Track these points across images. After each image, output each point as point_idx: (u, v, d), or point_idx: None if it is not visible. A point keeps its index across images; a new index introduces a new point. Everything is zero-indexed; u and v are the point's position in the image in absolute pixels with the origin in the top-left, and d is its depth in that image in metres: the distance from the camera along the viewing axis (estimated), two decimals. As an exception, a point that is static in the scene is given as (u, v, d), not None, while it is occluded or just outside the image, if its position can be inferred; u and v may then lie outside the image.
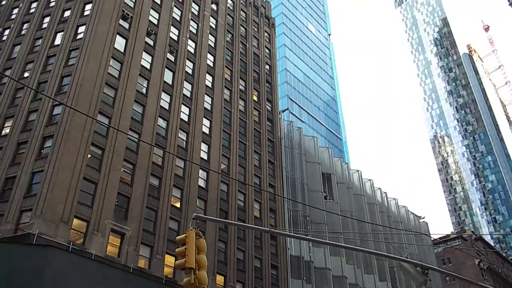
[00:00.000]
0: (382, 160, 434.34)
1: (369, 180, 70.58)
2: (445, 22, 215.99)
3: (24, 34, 45.36)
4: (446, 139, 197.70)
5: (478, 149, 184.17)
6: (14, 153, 35.76)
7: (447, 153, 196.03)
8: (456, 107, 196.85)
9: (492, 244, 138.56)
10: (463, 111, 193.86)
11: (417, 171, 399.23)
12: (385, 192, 73.00)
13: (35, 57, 42.26)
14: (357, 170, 69.77)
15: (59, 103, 36.35)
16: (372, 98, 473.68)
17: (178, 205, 41.12)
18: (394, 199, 74.61)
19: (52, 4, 47.07)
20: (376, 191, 70.89)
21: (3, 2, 50.39)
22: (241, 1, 65.74)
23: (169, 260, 37.30)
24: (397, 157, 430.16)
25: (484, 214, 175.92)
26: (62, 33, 43.29)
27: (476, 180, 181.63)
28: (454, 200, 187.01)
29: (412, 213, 77.74)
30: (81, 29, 42.58)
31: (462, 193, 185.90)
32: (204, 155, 46.53)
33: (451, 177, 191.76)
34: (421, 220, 79.29)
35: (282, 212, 53.09)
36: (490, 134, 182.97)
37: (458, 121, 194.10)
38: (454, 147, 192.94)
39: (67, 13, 45.07)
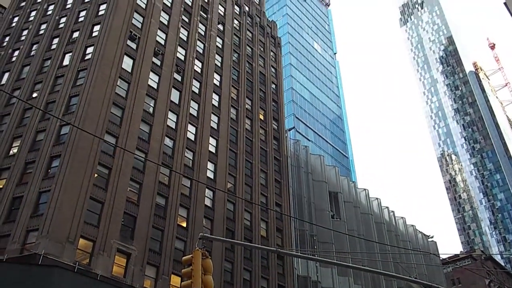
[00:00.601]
0: (389, 179, 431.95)
1: (377, 198, 70.09)
2: (450, 40, 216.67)
3: (33, 55, 45.97)
4: (453, 157, 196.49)
5: (486, 167, 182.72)
6: (21, 172, 35.91)
7: (455, 171, 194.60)
8: (463, 125, 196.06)
9: (503, 264, 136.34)
10: (470, 129, 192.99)
11: (425, 190, 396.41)
12: (392, 211, 72.39)
13: (44, 78, 42.74)
14: (364, 189, 69.36)
15: (66, 123, 36.60)
16: (378, 117, 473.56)
17: (184, 224, 40.95)
18: (402, 218, 73.92)
19: (61, 25, 47.78)
20: (384, 210, 70.33)
21: (13, 24, 51.21)
22: (247, 21, 66.43)
23: (175, 280, 36.99)
24: (404, 175, 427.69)
25: (493, 233, 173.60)
26: (70, 53, 43.85)
27: (485, 199, 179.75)
28: (462, 219, 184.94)
29: (421, 232, 76.89)
30: (89, 49, 43.11)
31: (470, 211, 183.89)
32: (210, 174, 46.49)
33: (460, 195, 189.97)
34: (429, 240, 78.36)
35: (289, 232, 52.70)
36: (498, 152, 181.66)
37: (465, 139, 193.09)
38: (461, 165, 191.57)
39: (75, 34, 45.71)
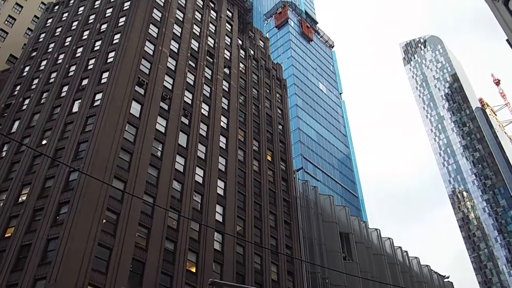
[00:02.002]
0: (401, 218, 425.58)
1: (389, 239, 68.79)
2: (455, 77, 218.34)
3: (43, 103, 46.76)
4: (465, 194, 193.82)
5: (499, 204, 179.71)
6: (30, 220, 35.77)
7: (468, 209, 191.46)
8: (472, 161, 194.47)
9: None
10: (480, 165, 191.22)
11: (438, 228, 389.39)
12: (405, 251, 70.85)
13: (53, 125, 43.28)
14: (376, 229, 68.22)
15: (74, 169, 36.74)
16: (386, 155, 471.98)
17: (193, 269, 40.21)
18: (415, 258, 72.25)
19: (71, 73, 48.83)
20: (397, 250, 68.86)
21: (24, 73, 52.39)
22: (253, 65, 67.53)
23: (185, 328, 35.96)
24: (416, 214, 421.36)
25: (511, 271, 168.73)
26: (79, 100, 44.56)
27: (500, 236, 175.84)
28: (478, 257, 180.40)
29: (436, 273, 74.93)
30: (98, 96, 43.82)
31: (486, 250, 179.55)
32: (219, 217, 46.02)
33: (474, 233, 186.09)
34: (445, 280, 76.25)
35: (300, 275, 51.53)
36: (510, 187, 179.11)
37: (476, 176, 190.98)
38: (474, 202, 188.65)
39: (84, 82, 46.62)
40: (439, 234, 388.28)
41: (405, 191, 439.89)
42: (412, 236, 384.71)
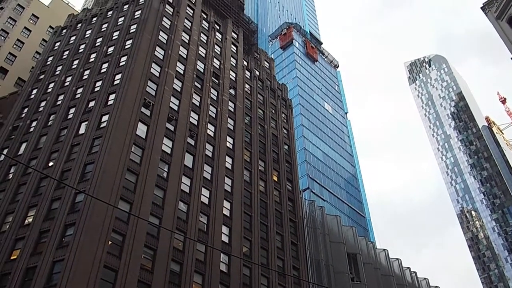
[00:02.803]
0: (409, 238, 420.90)
1: (397, 259, 67.91)
2: (460, 96, 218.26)
3: (50, 125, 47.10)
4: (473, 213, 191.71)
5: (509, 223, 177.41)
6: (36, 242, 35.68)
7: (476, 228, 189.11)
8: (480, 180, 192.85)
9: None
10: (488, 184, 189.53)
11: (447, 248, 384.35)
12: (414, 272, 69.86)
13: (60, 147, 43.52)
14: (384, 249, 67.42)
15: (80, 191, 36.77)
16: (393, 174, 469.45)
17: (199, 291, 39.76)
18: (424, 279, 71.16)
19: (77, 95, 49.29)
20: (405, 271, 67.91)
21: (32, 96, 52.92)
22: (258, 85, 67.91)
23: None
24: (424, 233, 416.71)
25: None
26: (86, 122, 44.87)
27: (510, 256, 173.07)
28: (489, 278, 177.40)
29: (446, 294, 73.64)
30: (105, 118, 44.10)
31: (496, 270, 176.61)
32: (225, 239, 45.69)
33: (483, 253, 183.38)
34: (455, 301, 74.87)
35: (308, 296, 50.80)
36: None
37: (484, 195, 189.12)
38: (483, 221, 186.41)
39: (91, 104, 47.01)
40: (448, 254, 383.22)
41: (413, 210, 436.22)
42: (421, 257, 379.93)
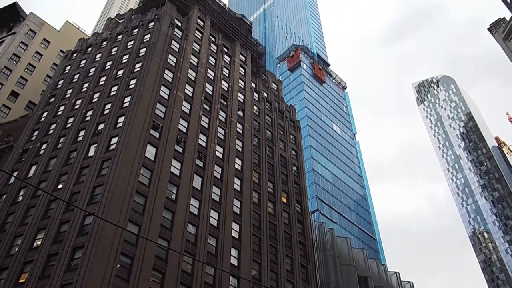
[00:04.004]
0: (420, 260, 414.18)
1: (409, 282, 66.74)
2: (469, 116, 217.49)
3: (60, 148, 47.39)
4: (486, 235, 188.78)
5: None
6: (44, 265, 35.51)
7: (489, 250, 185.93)
8: (492, 201, 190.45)
9: None
10: (500, 205, 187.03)
11: (460, 270, 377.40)
12: (427, 295, 68.54)
13: (69, 169, 43.67)
14: (395, 272, 66.34)
15: (89, 213, 36.71)
16: (403, 196, 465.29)
17: (208, 315, 39.18)
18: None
19: (87, 118, 49.67)
20: (418, 294, 66.63)
21: (42, 119, 53.43)
22: (267, 107, 68.12)
23: None
24: (436, 255, 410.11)
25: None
26: (95, 145, 45.09)
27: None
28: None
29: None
30: (114, 140, 44.31)
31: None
32: (234, 261, 45.20)
33: (497, 276, 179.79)
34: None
35: (318, 321, 49.86)
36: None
37: (496, 216, 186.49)
38: (495, 243, 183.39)
39: (101, 126, 47.32)
40: (463, 277, 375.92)
41: (424, 232, 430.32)
42: (436, 280, 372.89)
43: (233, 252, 45.72)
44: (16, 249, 37.79)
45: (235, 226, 47.90)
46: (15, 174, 46.07)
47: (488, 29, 62.80)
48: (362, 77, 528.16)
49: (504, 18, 62.44)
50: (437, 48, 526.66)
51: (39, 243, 37.67)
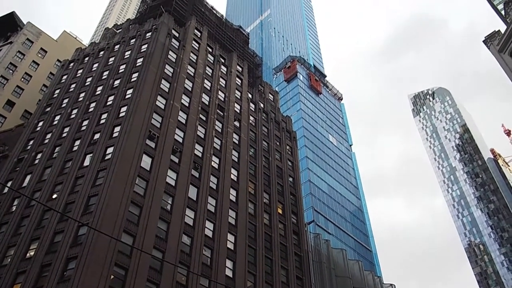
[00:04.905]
0: (416, 272, 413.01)
1: (405, 294, 66.43)
2: (465, 128, 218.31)
3: (55, 157, 47.15)
4: (481, 247, 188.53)
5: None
6: (37, 276, 35.11)
7: (485, 263, 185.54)
8: (488, 213, 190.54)
9: None
10: (496, 217, 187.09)
11: (456, 282, 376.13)
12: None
13: (64, 179, 43.40)
14: (391, 284, 66.05)
15: (83, 224, 36.43)
16: (398, 207, 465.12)
17: (203, 328, 38.79)
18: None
19: (83, 128, 49.52)
20: (414, 307, 66.30)
21: (38, 128, 53.23)
22: (263, 117, 68.14)
23: None
24: (432, 267, 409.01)
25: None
26: (91, 154, 44.88)
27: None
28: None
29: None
30: (109, 150, 44.13)
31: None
32: (229, 273, 44.86)
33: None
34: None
35: (313, 333, 49.45)
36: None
37: (492, 228, 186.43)
38: (491, 256, 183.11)
39: (96, 136, 47.16)
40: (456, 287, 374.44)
41: (420, 244, 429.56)
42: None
43: (228, 263, 45.42)
44: (9, 260, 37.38)
45: (231, 237, 47.64)
46: (9, 184, 45.72)
47: (483, 41, 63.25)
48: (360, 90, 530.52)
49: (499, 30, 62.97)
50: (436, 62, 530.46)
51: (32, 253, 37.30)
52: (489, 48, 62.54)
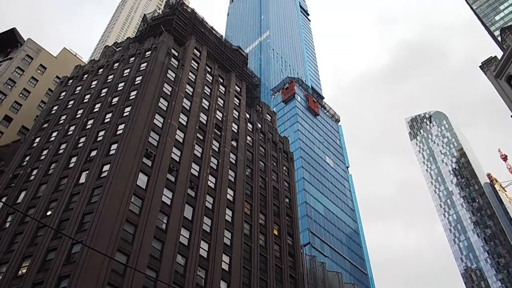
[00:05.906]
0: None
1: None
2: (461, 152, 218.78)
3: (51, 174, 46.88)
4: (478, 273, 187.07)
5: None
6: (28, 294, 34.55)
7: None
8: (484, 238, 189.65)
9: None
10: (492, 243, 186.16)
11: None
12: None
13: (59, 196, 43.07)
14: (387, 309, 65.28)
15: (77, 241, 36.02)
16: (395, 231, 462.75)
17: None
18: None
19: (80, 145, 49.39)
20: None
21: (34, 144, 53.06)
22: (260, 138, 68.19)
23: None
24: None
25: None
26: (87, 172, 44.66)
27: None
28: None
29: None
30: (106, 167, 43.93)
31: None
32: (223, 294, 44.27)
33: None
34: None
35: None
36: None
37: (488, 253, 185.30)
38: (488, 282, 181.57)
39: (93, 153, 46.99)
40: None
41: (417, 268, 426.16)
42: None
43: (223, 284, 44.87)
44: (0, 277, 36.80)
45: (225, 258, 47.16)
46: (3, 199, 45.33)
47: (480, 67, 63.85)
48: (358, 113, 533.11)
49: (495, 56, 63.64)
50: (434, 86, 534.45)
51: (24, 271, 36.77)
52: (486, 74, 63.14)
